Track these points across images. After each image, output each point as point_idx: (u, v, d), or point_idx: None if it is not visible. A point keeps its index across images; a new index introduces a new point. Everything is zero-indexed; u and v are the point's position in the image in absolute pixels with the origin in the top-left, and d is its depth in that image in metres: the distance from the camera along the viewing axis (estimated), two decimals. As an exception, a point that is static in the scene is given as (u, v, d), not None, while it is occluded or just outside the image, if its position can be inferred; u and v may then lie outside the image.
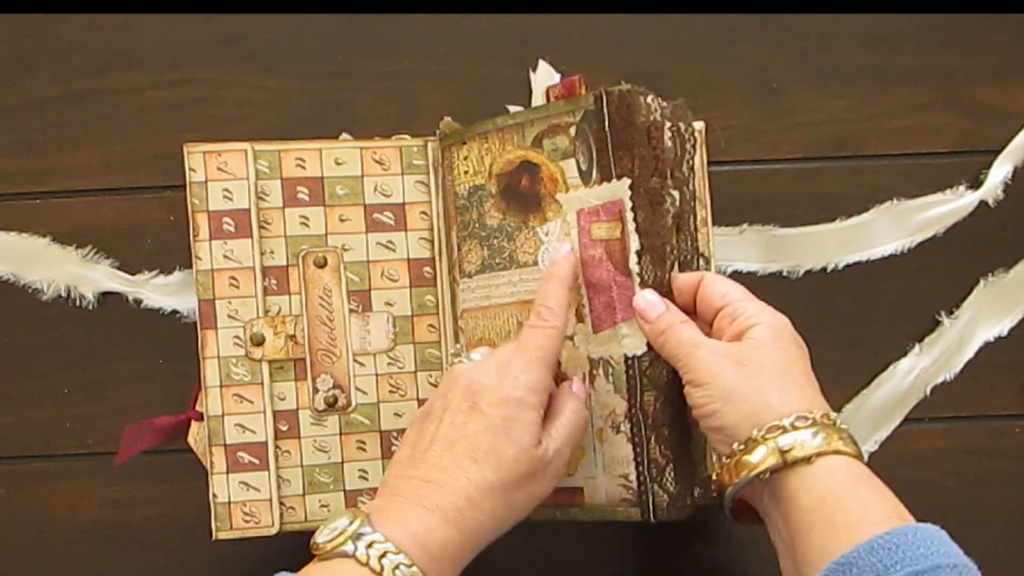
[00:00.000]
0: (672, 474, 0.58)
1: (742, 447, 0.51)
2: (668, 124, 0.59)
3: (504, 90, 0.68)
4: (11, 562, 0.69)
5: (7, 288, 0.69)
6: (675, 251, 0.59)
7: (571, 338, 0.60)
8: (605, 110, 0.57)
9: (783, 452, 0.50)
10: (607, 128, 0.57)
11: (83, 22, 0.68)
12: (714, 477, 0.54)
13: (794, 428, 0.50)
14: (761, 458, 0.50)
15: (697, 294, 0.57)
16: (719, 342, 0.54)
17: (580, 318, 0.60)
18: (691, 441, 0.59)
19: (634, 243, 0.57)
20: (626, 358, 0.58)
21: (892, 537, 0.46)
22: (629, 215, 0.57)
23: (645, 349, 0.57)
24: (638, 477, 0.58)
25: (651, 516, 0.58)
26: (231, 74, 0.69)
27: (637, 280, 0.57)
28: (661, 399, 0.58)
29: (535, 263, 0.61)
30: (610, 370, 0.59)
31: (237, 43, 0.69)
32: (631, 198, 0.57)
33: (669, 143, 0.59)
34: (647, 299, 0.56)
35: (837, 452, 0.50)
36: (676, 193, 0.59)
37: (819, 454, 0.50)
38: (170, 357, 0.69)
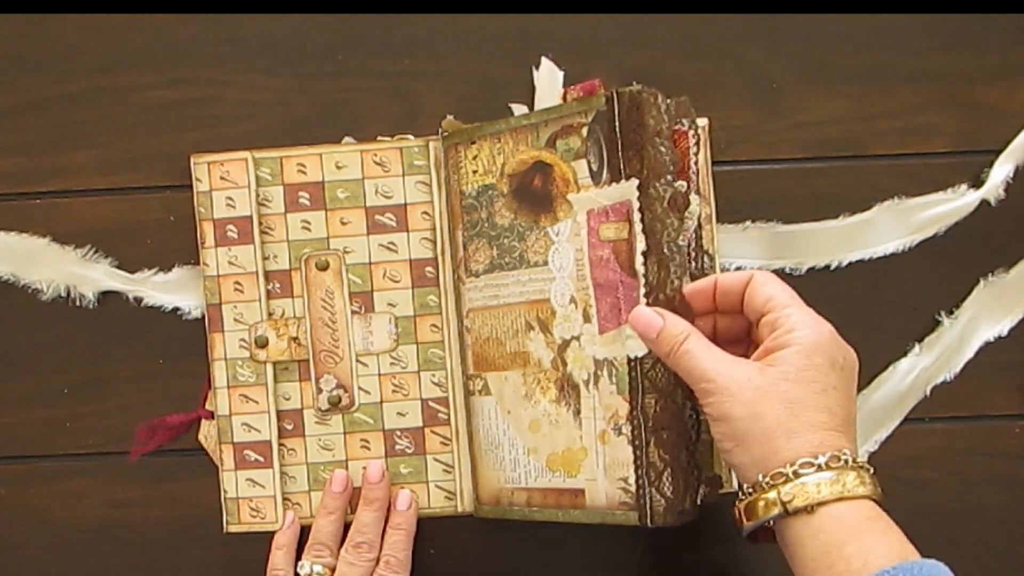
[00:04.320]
0: (669, 479, 0.57)
1: (751, 490, 0.52)
2: (691, 130, 0.59)
3: (505, 90, 0.68)
4: (11, 562, 0.69)
5: (7, 288, 0.69)
6: (687, 257, 0.59)
7: (577, 339, 0.60)
8: (616, 111, 0.57)
9: (784, 503, 0.50)
10: (617, 129, 0.57)
11: (83, 22, 0.68)
12: (737, 503, 0.53)
13: (796, 476, 0.50)
14: (764, 508, 0.51)
15: (745, 293, 0.56)
16: (739, 369, 0.53)
17: (587, 319, 0.60)
18: (695, 443, 0.59)
19: (640, 244, 0.57)
20: (629, 359, 0.58)
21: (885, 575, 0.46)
22: (636, 216, 0.57)
23: (647, 350, 0.57)
24: (636, 481, 0.58)
25: (648, 521, 0.57)
26: (231, 74, 0.69)
27: (642, 281, 0.57)
28: (662, 402, 0.57)
29: (545, 263, 0.61)
30: (613, 371, 0.59)
31: (237, 43, 0.68)
32: (639, 199, 0.57)
33: (694, 145, 0.59)
34: (639, 316, 0.56)
35: (841, 498, 0.49)
36: (696, 196, 0.60)
37: (821, 503, 0.49)
38: (171, 356, 0.68)
